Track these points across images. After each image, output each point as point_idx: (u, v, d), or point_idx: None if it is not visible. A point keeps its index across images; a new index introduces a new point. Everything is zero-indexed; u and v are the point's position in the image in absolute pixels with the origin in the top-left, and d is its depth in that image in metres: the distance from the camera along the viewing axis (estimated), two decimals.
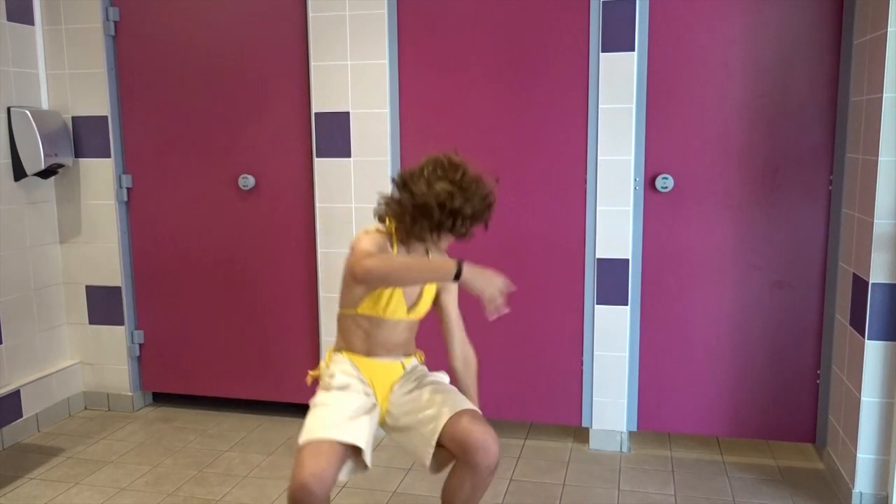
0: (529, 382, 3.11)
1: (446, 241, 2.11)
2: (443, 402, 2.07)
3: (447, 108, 3.05)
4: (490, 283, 1.94)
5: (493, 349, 3.13)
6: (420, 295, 2.18)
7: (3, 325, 3.17)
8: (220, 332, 3.42)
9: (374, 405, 2.10)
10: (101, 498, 2.69)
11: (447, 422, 2.01)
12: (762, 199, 2.84)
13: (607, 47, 2.85)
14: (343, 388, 2.09)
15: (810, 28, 2.73)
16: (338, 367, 2.14)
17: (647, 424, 3.05)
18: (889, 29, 2.35)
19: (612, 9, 2.83)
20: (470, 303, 3.15)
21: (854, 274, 2.61)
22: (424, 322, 2.26)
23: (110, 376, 3.51)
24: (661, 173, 2.90)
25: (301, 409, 3.43)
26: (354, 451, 2.00)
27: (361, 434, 1.99)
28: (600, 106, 2.89)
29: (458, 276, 1.91)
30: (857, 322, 2.57)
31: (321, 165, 3.16)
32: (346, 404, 2.04)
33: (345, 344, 2.20)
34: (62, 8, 3.30)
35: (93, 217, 3.41)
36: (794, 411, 2.91)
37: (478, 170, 2.10)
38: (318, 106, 3.12)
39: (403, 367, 2.21)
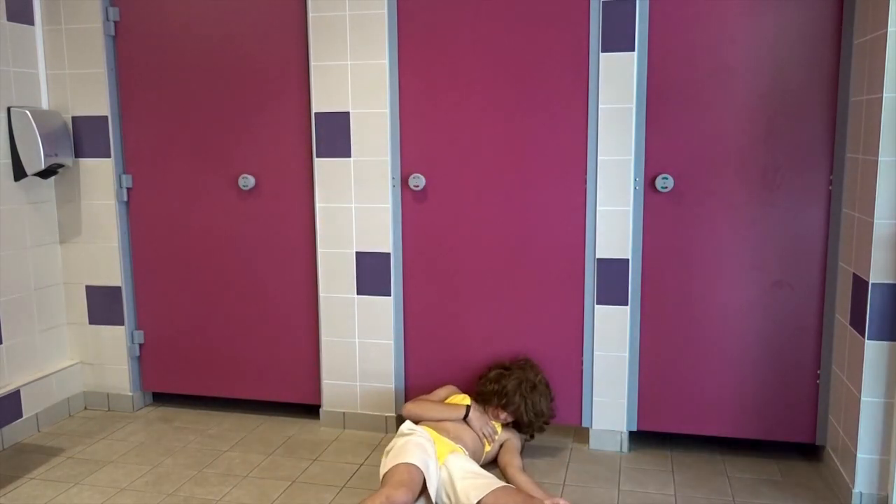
0: None
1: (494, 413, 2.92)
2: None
3: (447, 108, 3.05)
4: (485, 425, 2.85)
5: (493, 349, 3.13)
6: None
7: (3, 325, 3.17)
8: (220, 332, 3.42)
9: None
10: (101, 498, 2.69)
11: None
12: (762, 199, 2.84)
13: (607, 47, 2.85)
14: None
15: (810, 28, 2.73)
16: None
17: (647, 424, 3.05)
18: (889, 29, 2.35)
19: (612, 9, 2.83)
20: (469, 291, 3.14)
21: (854, 274, 2.61)
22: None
23: (110, 376, 3.52)
24: (661, 173, 2.90)
25: (301, 410, 3.44)
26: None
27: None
28: (600, 106, 2.89)
29: (465, 416, 2.81)
30: (857, 322, 2.57)
31: (321, 165, 3.16)
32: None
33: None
34: (62, 8, 3.31)
35: (93, 217, 3.41)
36: (794, 411, 2.91)
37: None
38: (318, 106, 3.12)
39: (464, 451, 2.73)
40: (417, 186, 3.09)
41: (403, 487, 2.38)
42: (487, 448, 2.84)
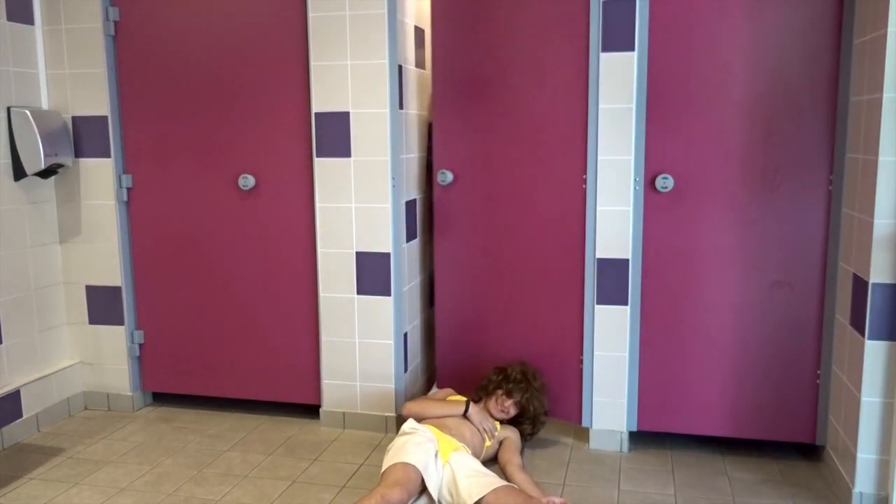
0: None
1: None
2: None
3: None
4: (485, 420, 2.88)
5: (493, 349, 3.13)
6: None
7: (3, 325, 3.17)
8: (221, 332, 3.42)
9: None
10: (101, 498, 2.69)
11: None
12: (762, 199, 2.83)
13: (607, 47, 2.85)
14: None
15: (810, 28, 2.73)
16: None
17: (647, 424, 3.05)
18: (889, 29, 2.35)
19: (612, 9, 2.83)
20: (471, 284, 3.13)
21: (854, 274, 2.61)
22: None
23: (110, 376, 3.52)
24: (661, 173, 2.90)
25: (301, 410, 3.44)
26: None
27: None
28: (600, 106, 2.89)
29: (465, 412, 2.84)
30: (858, 322, 2.57)
31: (321, 165, 3.16)
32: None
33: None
34: (62, 8, 3.30)
35: (93, 217, 3.41)
36: (794, 411, 2.91)
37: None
38: (318, 106, 3.12)
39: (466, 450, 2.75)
40: None
41: (399, 486, 2.38)
42: (487, 444, 2.84)
